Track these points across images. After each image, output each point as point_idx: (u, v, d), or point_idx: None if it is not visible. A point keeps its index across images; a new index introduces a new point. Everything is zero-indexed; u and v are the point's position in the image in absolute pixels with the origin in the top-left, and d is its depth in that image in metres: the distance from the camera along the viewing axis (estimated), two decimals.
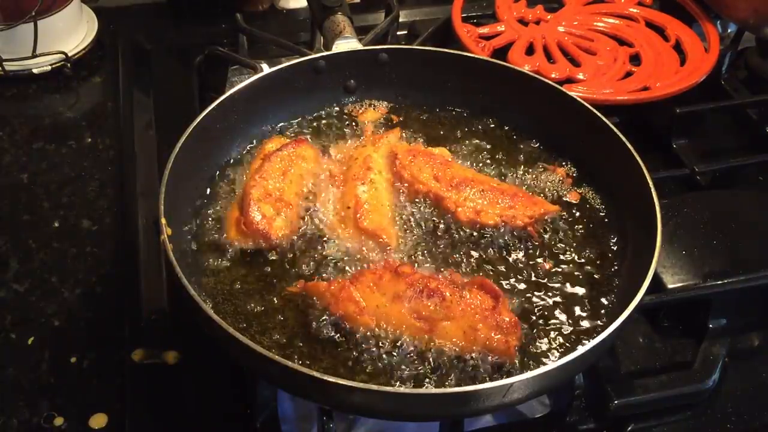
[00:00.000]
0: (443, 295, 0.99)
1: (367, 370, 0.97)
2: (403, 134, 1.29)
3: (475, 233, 1.13)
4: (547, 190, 1.21)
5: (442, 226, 1.14)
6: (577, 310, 1.05)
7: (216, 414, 1.05)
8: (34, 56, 1.52)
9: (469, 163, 1.25)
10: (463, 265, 1.10)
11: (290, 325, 1.02)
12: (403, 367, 0.97)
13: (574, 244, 1.14)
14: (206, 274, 1.07)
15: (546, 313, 1.05)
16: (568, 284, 1.09)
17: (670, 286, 1.14)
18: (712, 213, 1.24)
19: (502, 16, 1.64)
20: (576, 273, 1.10)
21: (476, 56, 1.39)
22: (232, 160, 1.23)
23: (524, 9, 1.66)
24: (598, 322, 1.04)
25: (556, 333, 1.03)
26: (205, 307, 0.91)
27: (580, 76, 1.48)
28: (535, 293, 1.07)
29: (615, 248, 1.13)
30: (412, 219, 1.15)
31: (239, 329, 0.92)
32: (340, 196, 1.16)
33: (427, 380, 0.96)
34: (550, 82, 1.27)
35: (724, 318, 1.15)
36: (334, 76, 1.31)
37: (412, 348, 0.98)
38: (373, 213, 1.12)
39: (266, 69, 1.29)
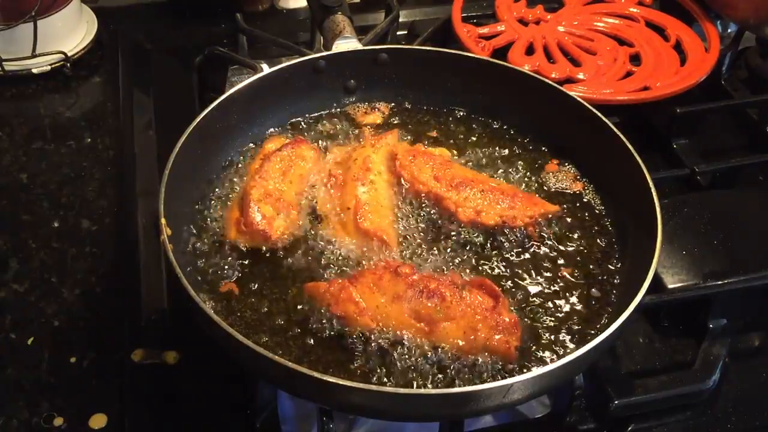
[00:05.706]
0: (443, 295, 0.98)
1: (367, 371, 0.97)
2: (403, 134, 1.29)
3: (475, 233, 1.13)
4: (547, 188, 1.22)
5: (442, 226, 1.14)
6: (577, 310, 1.05)
7: (216, 414, 1.05)
8: (33, 56, 1.52)
9: (469, 163, 1.25)
10: (463, 265, 1.10)
11: (290, 326, 1.02)
12: (403, 367, 0.97)
13: (574, 244, 1.14)
14: (206, 275, 1.07)
15: (546, 313, 1.05)
16: (567, 284, 1.09)
17: (670, 286, 1.14)
18: (712, 213, 1.24)
19: (502, 16, 1.64)
20: (576, 273, 1.10)
21: (476, 56, 1.39)
22: (232, 160, 1.23)
23: (524, 9, 1.66)
24: (598, 322, 1.04)
25: (556, 333, 1.03)
26: (205, 307, 0.92)
27: (580, 76, 1.48)
28: (535, 293, 1.07)
29: (615, 248, 1.13)
30: (412, 219, 1.15)
31: (239, 329, 0.92)
32: (339, 197, 1.16)
33: (427, 380, 0.96)
34: (550, 82, 1.27)
35: (724, 318, 1.15)
36: (334, 76, 1.31)
37: (412, 348, 0.98)
38: (373, 214, 1.12)
39: (266, 69, 1.29)
